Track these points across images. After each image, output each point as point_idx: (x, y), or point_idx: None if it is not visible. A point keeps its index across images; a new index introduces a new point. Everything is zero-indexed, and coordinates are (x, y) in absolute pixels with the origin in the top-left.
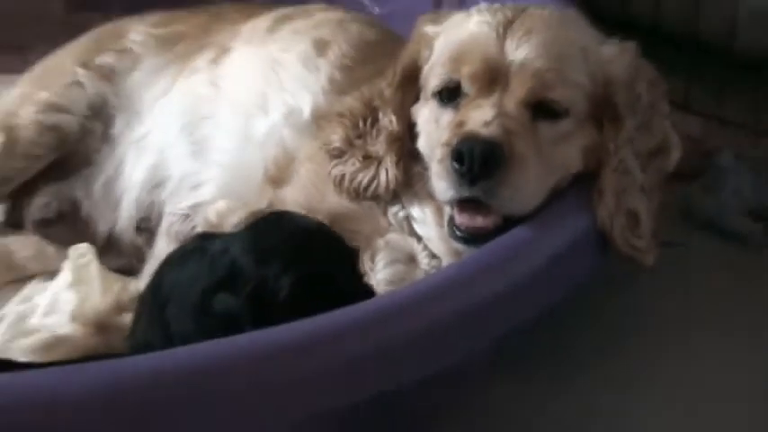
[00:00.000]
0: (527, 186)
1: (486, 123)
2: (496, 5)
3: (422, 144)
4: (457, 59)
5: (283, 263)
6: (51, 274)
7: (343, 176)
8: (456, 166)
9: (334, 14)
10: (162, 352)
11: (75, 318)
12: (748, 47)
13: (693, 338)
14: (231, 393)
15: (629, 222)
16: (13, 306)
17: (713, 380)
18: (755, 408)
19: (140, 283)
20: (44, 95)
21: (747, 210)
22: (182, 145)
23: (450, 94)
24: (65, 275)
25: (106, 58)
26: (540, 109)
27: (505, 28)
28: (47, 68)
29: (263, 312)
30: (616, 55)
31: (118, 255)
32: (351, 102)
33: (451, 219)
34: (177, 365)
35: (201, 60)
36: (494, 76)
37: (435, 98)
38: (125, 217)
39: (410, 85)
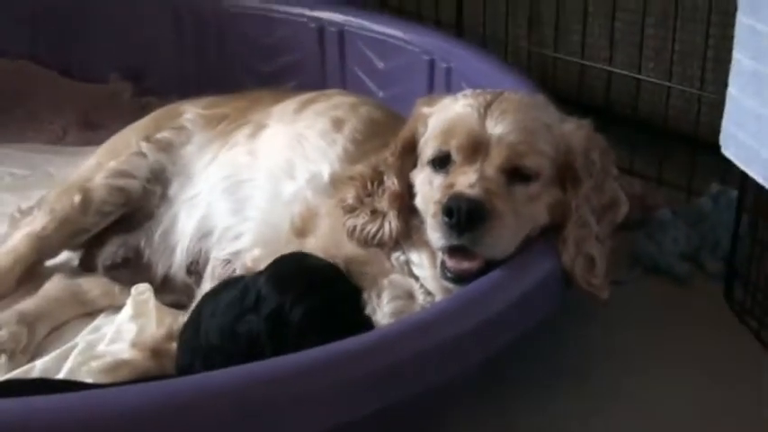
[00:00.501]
0: (505, 236)
1: (471, 185)
2: (478, 91)
3: (419, 202)
4: (447, 134)
5: (297, 294)
6: (117, 308)
7: (355, 227)
8: (446, 219)
9: (348, 98)
10: (202, 374)
11: (134, 345)
12: (678, 125)
13: (639, 358)
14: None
15: (587, 265)
16: (85, 335)
17: (659, 392)
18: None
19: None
20: (113, 164)
21: (680, 254)
22: (224, 203)
23: (441, 162)
24: (127, 309)
25: (165, 134)
26: (515, 174)
27: (486, 109)
28: (116, 142)
29: (280, 332)
30: (574, 130)
31: (171, 292)
32: (361, 168)
33: (443, 263)
34: (214, 386)
35: (241, 135)
36: (476, 148)
37: (429, 165)
38: (178, 261)
39: (409, 154)
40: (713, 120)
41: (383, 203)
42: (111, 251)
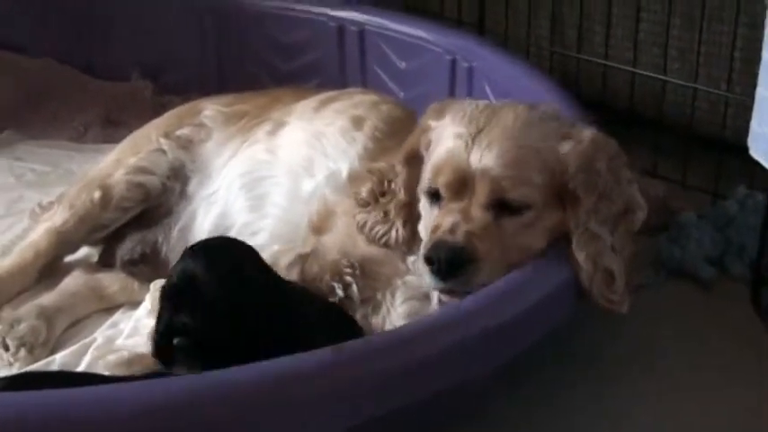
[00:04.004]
0: (492, 274)
1: (452, 230)
2: (481, 105)
3: (420, 228)
4: (436, 171)
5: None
6: (135, 304)
7: (365, 223)
8: (428, 267)
9: (369, 97)
10: (215, 371)
11: (150, 338)
12: (704, 127)
13: (662, 362)
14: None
15: (606, 279)
16: (103, 330)
17: (682, 397)
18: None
19: None
20: (133, 160)
21: (705, 257)
22: (242, 200)
23: (433, 196)
24: (145, 305)
25: (184, 131)
26: (503, 207)
27: (474, 138)
28: (136, 138)
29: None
30: (571, 148)
31: None
32: (380, 164)
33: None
34: (231, 381)
35: (261, 132)
36: (463, 184)
37: (426, 195)
38: None
39: (415, 164)
40: (740, 122)
41: (391, 209)
42: (129, 247)
